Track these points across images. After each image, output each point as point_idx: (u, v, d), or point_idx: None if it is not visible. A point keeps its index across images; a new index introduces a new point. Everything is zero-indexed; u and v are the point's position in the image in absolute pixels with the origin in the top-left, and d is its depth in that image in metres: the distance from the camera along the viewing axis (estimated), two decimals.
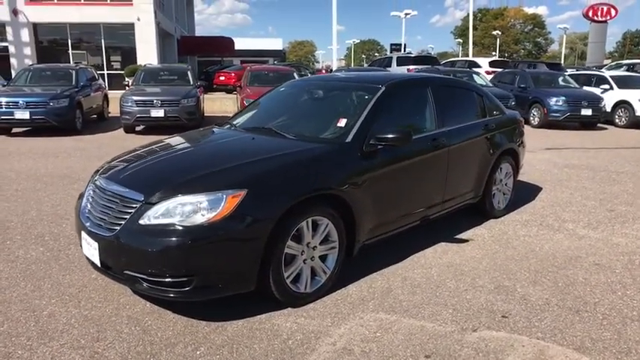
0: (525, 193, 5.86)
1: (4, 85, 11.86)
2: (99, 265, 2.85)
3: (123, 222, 2.71)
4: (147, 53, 21.61)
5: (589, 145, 10.05)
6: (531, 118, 13.34)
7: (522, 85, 14.17)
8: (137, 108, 10.80)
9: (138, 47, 21.79)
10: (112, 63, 22.75)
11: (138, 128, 11.42)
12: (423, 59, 18.76)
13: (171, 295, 2.68)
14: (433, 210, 4.09)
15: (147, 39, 21.73)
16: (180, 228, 2.59)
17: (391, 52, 30.43)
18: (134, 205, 2.72)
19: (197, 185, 2.73)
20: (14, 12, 20.25)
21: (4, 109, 10.34)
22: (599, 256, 3.93)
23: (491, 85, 14.24)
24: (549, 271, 3.62)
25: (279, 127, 3.68)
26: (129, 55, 22.36)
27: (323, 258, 3.16)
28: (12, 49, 20.66)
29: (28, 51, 20.76)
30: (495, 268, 3.67)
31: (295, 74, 13.17)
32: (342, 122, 3.48)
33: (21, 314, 2.90)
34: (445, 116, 4.12)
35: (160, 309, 2.95)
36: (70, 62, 20.28)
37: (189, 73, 12.89)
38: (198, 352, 2.53)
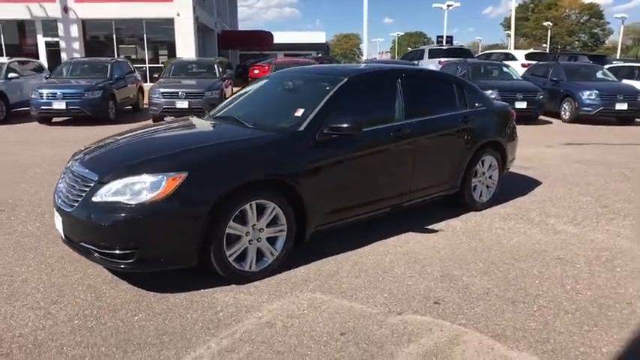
0: (521, 188, 5.77)
1: (47, 78, 12.73)
2: (63, 237, 3.18)
3: (80, 199, 3.00)
4: (186, 47, 22.38)
5: (616, 141, 9.61)
6: (562, 113, 12.85)
7: (555, 78, 13.64)
8: (164, 100, 11.34)
9: (177, 41, 22.61)
10: (154, 57, 23.73)
11: (167, 118, 11.98)
12: (455, 51, 18.38)
13: (122, 266, 2.95)
14: (401, 199, 4.17)
15: (186, 33, 22.50)
16: (126, 205, 2.85)
17: (437, 45, 29.97)
18: (90, 185, 3.01)
19: (143, 168, 2.98)
20: (65, 9, 21.55)
21: (44, 100, 11.15)
22: (565, 251, 3.88)
23: (519, 77, 13.80)
24: (506, 263, 3.62)
25: (242, 116, 3.88)
26: (169, 49, 23.28)
27: (272, 240, 3.34)
28: (62, 44, 22.00)
29: (76, 45, 22.04)
30: (452, 257, 3.71)
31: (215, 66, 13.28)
32: (300, 112, 3.62)
33: (1, 281, 3.27)
34: (415, 108, 4.17)
35: (119, 280, 3.24)
36: (114, 56, 21.35)
37: (215, 66, 13.34)
38: (136, 318, 2.79)
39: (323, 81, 3.97)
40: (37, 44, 22.28)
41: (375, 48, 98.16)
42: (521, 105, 12.07)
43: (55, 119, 11.80)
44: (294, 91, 4.24)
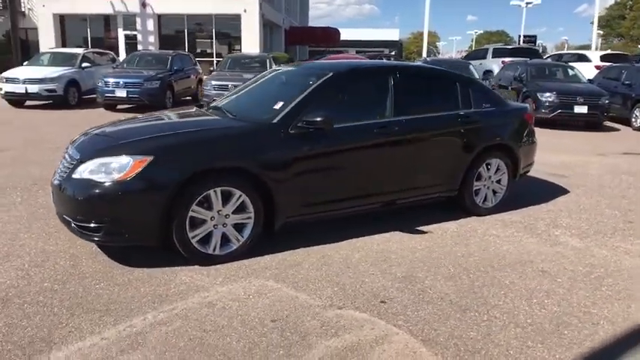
0: (542, 195, 5.44)
1: (114, 68, 13.79)
2: (55, 210, 3.51)
3: (65, 175, 3.31)
4: (251, 42, 23.16)
5: None
6: (633, 119, 11.80)
7: (627, 82, 12.53)
8: (214, 92, 11.87)
9: (243, 36, 23.45)
10: (222, 51, 24.77)
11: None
12: (521, 51, 17.37)
13: (95, 238, 3.23)
14: (391, 197, 4.12)
15: (251, 29, 23.26)
16: (97, 183, 3.11)
17: (519, 44, 28.58)
18: (74, 163, 3.31)
19: (115, 150, 3.23)
20: (143, 5, 23.12)
21: (108, 88, 12.11)
22: (554, 264, 3.63)
23: (585, 80, 12.81)
24: (480, 271, 3.47)
25: (232, 107, 4.03)
26: (235, 43, 24.20)
27: (240, 227, 3.46)
28: (139, 37, 23.64)
29: (152, 39, 23.58)
30: (425, 260, 3.62)
31: None
32: (279, 105, 3.70)
33: (3, 243, 3.68)
34: (407, 106, 4.09)
35: (100, 253, 3.51)
36: (185, 50, 22.58)
37: (268, 61, 13.74)
38: (97, 286, 3.04)
39: (311, 75, 4.01)
40: (117, 37, 24.11)
41: (452, 46, 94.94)
42: (582, 110, 11.26)
43: (119, 106, 12.76)
44: (286, 84, 4.32)
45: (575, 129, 11.32)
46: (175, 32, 24.75)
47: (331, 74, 3.85)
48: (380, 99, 4.03)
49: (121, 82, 12.03)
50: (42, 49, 20.54)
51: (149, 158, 3.11)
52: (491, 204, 4.80)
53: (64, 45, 23.09)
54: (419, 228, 4.30)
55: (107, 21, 24.79)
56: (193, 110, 4.35)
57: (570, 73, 13.05)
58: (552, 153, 8.04)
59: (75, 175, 3.21)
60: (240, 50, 23.11)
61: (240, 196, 3.36)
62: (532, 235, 4.26)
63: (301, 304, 2.90)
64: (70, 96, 12.71)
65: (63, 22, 24.27)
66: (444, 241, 4.04)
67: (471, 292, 3.14)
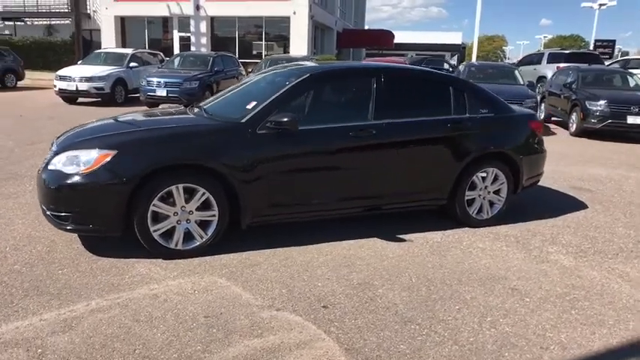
0: (554, 209, 5.10)
1: (158, 68, 14.45)
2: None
3: (43, 166, 3.53)
4: (299, 44, 23.48)
5: None
6: None
7: None
8: None
9: (292, 38, 23.82)
10: (271, 52, 25.28)
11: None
12: (579, 56, 16.33)
13: (67, 227, 3.39)
14: (371, 202, 4.05)
15: (300, 31, 23.59)
16: (65, 174, 3.28)
17: (595, 49, 27.08)
18: (51, 155, 3.52)
19: (85, 144, 3.40)
20: (197, 7, 24.08)
21: (151, 87, 12.70)
22: (530, 283, 3.40)
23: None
24: (443, 284, 3.32)
25: (211, 107, 4.10)
26: (284, 45, 24.61)
27: (204, 224, 3.53)
28: (193, 39, 24.65)
29: (204, 41, 24.51)
30: (389, 268, 3.51)
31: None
32: (252, 104, 3.74)
33: None
34: (390, 109, 3.99)
35: (77, 241, 3.70)
36: (236, 52, 23.26)
37: (308, 62, 13.87)
38: (60, 272, 3.21)
39: (292, 76, 4.01)
40: (172, 39, 25.26)
41: (519, 50, 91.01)
42: (636, 120, 10.45)
43: (161, 105, 13.35)
44: (268, 85, 4.34)
45: (629, 141, 10.49)
46: (227, 34, 25.56)
47: (307, 75, 3.84)
48: (360, 102, 3.97)
49: (162, 82, 12.58)
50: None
51: (112, 152, 3.25)
52: (487, 215, 4.56)
53: (123, 45, 24.54)
54: (401, 236, 4.17)
55: (164, 23, 26.05)
56: (179, 109, 4.48)
57: (629, 81, 12.13)
58: (586, 165, 7.54)
59: (50, 167, 3.41)
60: (289, 52, 23.48)
61: (204, 193, 3.43)
62: (521, 250, 4.01)
63: (241, 303, 2.91)
64: (117, 94, 13.48)
65: (124, 23, 25.79)
66: (421, 250, 3.90)
67: (423, 304, 3.02)
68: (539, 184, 5.19)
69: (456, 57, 51.99)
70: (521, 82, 12.16)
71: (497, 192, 4.58)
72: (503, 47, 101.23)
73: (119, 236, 3.41)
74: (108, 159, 3.23)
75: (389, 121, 3.97)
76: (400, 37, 50.10)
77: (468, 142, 4.30)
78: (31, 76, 18.59)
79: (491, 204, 4.59)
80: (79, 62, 14.80)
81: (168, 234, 3.45)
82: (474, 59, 23.88)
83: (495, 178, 4.53)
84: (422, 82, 4.37)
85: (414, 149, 4.13)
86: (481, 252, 3.93)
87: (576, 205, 5.45)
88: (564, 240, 4.31)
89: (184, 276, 3.23)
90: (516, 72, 12.37)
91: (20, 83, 17.33)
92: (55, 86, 13.21)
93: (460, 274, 3.49)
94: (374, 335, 2.64)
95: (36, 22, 27.68)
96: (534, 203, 5.32)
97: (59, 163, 3.37)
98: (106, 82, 13.11)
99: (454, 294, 3.18)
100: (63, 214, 3.34)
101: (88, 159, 3.26)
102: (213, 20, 24.80)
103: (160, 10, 24.61)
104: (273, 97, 3.70)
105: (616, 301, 3.20)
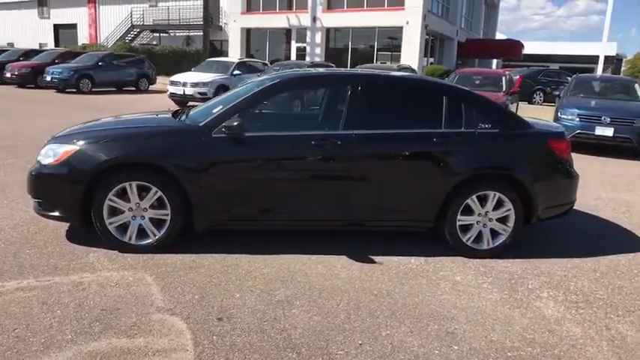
0: (602, 247, 4.27)
1: (258, 75, 15.31)
2: None
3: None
4: (410, 54, 23.00)
5: None
6: None
7: None
8: None
9: (403, 48, 23.43)
10: (383, 62, 25.19)
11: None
12: None
13: (41, 212, 3.74)
14: (339, 217, 3.81)
15: (412, 41, 23.09)
16: (40, 164, 3.67)
17: None
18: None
19: (61, 139, 3.75)
20: (314, 19, 25.02)
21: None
22: (479, 328, 2.87)
23: None
24: (371, 315, 2.96)
25: (193, 111, 4.18)
26: (395, 55, 24.30)
27: (159, 222, 3.66)
28: (308, 49, 25.66)
29: (318, 51, 25.35)
30: (327, 289, 3.25)
31: (503, 78, 11.96)
32: (217, 109, 3.77)
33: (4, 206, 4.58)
34: (364, 119, 3.71)
35: (57, 228, 4.02)
36: (348, 63, 23.67)
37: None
38: (25, 252, 3.58)
39: (266, 82, 3.94)
40: (290, 49, 26.60)
41: None
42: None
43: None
44: (246, 90, 4.28)
45: None
46: (340, 44, 26.12)
47: (276, 81, 3.75)
48: (330, 110, 3.76)
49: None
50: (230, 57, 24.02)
51: (75, 148, 3.55)
52: (487, 246, 3.96)
53: (247, 55, 26.57)
54: (375, 257, 3.84)
55: (284, 34, 27.58)
56: (163, 112, 4.63)
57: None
58: None
59: (37, 157, 3.86)
60: (399, 62, 23.14)
61: (157, 192, 3.55)
62: (503, 291, 3.40)
63: (145, 302, 2.95)
64: None
65: (249, 34, 27.92)
66: (381, 275, 3.54)
67: (325, 333, 2.73)
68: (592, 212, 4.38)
69: (609, 70, 46.19)
70: None
71: (502, 220, 3.95)
72: None
73: (82, 225, 3.70)
74: (69, 154, 3.54)
75: (360, 132, 3.69)
76: (538, 48, 46.11)
77: (459, 160, 3.79)
78: (162, 81, 21.14)
79: (495, 233, 3.97)
80: (193, 69, 16.40)
81: (125, 228, 3.64)
82: (598, 71, 20.93)
83: (499, 204, 3.90)
84: (409, 91, 3.96)
85: (390, 163, 3.77)
86: (451, 286, 3.43)
87: (633, 244, 4.45)
88: (574, 286, 3.55)
89: (121, 269, 3.39)
90: (636, 86, 10.50)
91: (152, 87, 19.83)
92: (167, 90, 14.85)
93: (401, 306, 3.09)
94: (240, 356, 2.47)
95: (177, 34, 31.45)
96: (578, 234, 4.52)
97: (41, 154, 3.78)
98: (209, 88, 14.33)
99: (371, 327, 2.83)
100: (37, 200, 3.73)
101: (56, 152, 3.61)
102: (328, 31, 25.55)
103: (280, 22, 26.15)
104: (236, 102, 3.70)
105: (560, 353, 2.56)
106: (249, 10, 27.34)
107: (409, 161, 3.79)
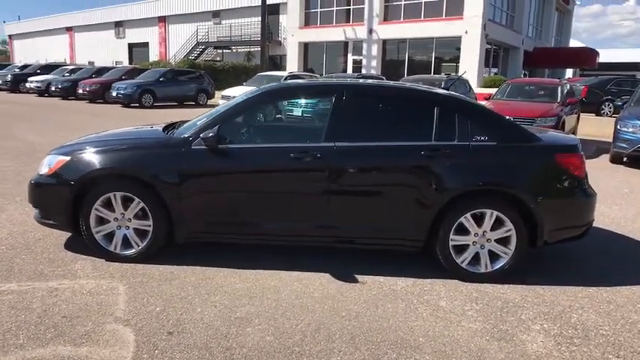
0: (621, 276, 3.79)
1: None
2: None
3: None
4: (469, 63, 22.18)
5: None
6: None
7: None
8: None
9: (462, 58, 22.66)
10: (441, 73, 24.52)
11: None
12: None
13: (39, 220, 3.97)
14: (319, 233, 3.68)
15: (471, 50, 22.28)
16: (37, 175, 3.88)
17: None
18: None
19: (60, 150, 3.93)
20: (370, 31, 24.92)
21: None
22: (432, 356, 2.60)
23: None
24: (329, 339, 2.80)
25: (185, 123, 4.22)
26: (452, 65, 23.55)
27: (144, 233, 3.72)
28: (364, 62, 25.57)
29: (374, 63, 25.18)
30: (295, 309, 3.12)
31: (559, 88, 11.15)
32: (201, 120, 3.78)
33: (12, 210, 4.87)
34: (348, 131, 3.57)
35: (60, 236, 4.18)
36: (405, 74, 23.31)
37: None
38: (20, 256, 3.79)
39: (252, 93, 3.90)
40: (346, 62, 26.66)
41: None
42: None
43: None
44: (232, 103, 4.24)
45: None
46: (396, 56, 25.78)
47: (259, 93, 3.71)
48: (313, 122, 3.65)
49: None
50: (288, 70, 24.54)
51: (66, 159, 3.71)
52: (485, 269, 3.62)
53: (305, 68, 26.98)
54: (360, 276, 3.65)
55: (341, 47, 27.73)
56: (159, 125, 4.69)
57: None
58: None
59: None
60: (456, 72, 22.41)
61: (139, 203, 3.63)
62: (489, 320, 3.08)
63: (107, 311, 2.99)
64: None
65: (306, 48, 28.37)
66: (359, 296, 3.34)
67: (268, 354, 2.61)
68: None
69: None
70: None
71: (503, 242, 3.60)
72: None
73: (75, 233, 3.85)
74: (61, 165, 3.71)
75: (342, 144, 3.54)
76: (627, 56, 42.94)
77: (450, 175, 3.52)
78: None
79: (495, 256, 3.63)
80: (244, 83, 16.87)
81: (111, 238, 3.74)
82: None
83: (499, 224, 3.57)
84: (397, 102, 3.74)
85: (373, 177, 3.59)
86: (430, 312, 3.16)
87: None
88: (577, 319, 3.14)
89: (99, 278, 3.47)
90: None
91: (210, 101, 20.68)
92: (219, 104, 15.40)
93: (365, 331, 2.89)
94: None
95: (240, 50, 32.68)
96: (605, 259, 4.08)
97: (41, 164, 4.00)
98: None
99: (323, 352, 2.66)
100: (36, 208, 3.92)
101: (51, 163, 3.80)
102: (384, 43, 25.34)
103: (337, 35, 26.33)
104: (219, 113, 3.70)
105: None
106: (307, 25, 27.82)
107: (394, 175, 3.58)
